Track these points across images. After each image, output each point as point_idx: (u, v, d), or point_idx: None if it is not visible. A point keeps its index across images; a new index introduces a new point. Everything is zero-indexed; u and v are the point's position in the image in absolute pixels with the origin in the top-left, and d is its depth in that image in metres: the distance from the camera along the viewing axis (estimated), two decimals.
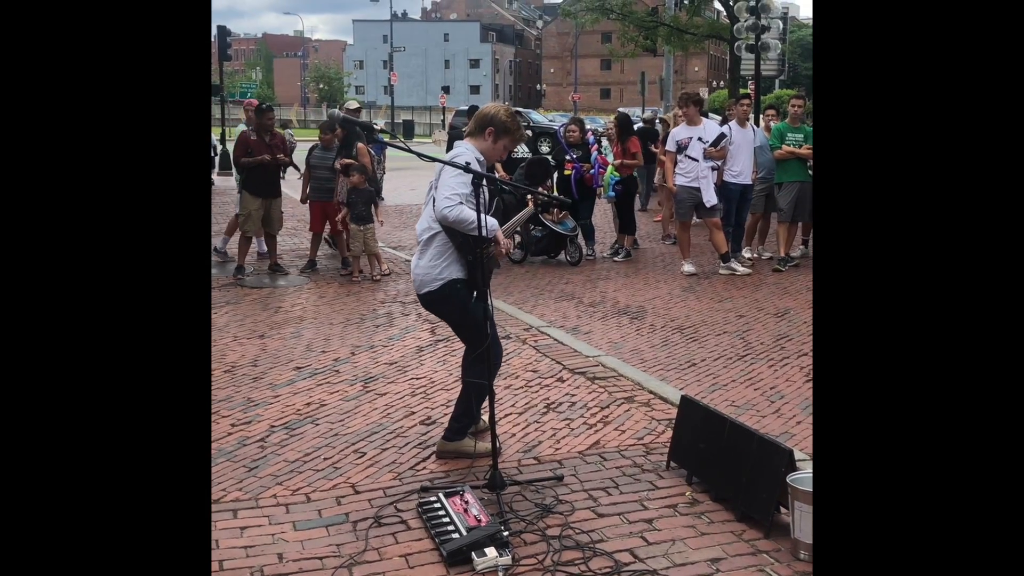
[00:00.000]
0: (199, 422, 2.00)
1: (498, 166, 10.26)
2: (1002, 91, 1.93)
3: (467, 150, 4.07)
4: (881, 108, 2.03)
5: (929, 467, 1.92)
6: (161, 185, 1.97)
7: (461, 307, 4.09)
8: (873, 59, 2.05)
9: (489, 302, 4.03)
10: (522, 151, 10.89)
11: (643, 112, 22.61)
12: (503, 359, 4.67)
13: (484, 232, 3.82)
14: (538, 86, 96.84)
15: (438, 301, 4.11)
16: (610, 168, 10.42)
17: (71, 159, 1.85)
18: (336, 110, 3.66)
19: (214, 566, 3.27)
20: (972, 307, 1.93)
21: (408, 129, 46.95)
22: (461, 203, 3.86)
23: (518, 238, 10.39)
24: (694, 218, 9.39)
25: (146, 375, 1.91)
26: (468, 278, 4.04)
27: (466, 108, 11.80)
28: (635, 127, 11.78)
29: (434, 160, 3.95)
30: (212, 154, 19.18)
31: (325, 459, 4.30)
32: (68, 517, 1.77)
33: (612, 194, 10.49)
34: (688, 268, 9.37)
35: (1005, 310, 1.90)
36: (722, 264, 9.34)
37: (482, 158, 4.07)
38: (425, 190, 4.17)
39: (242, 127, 10.30)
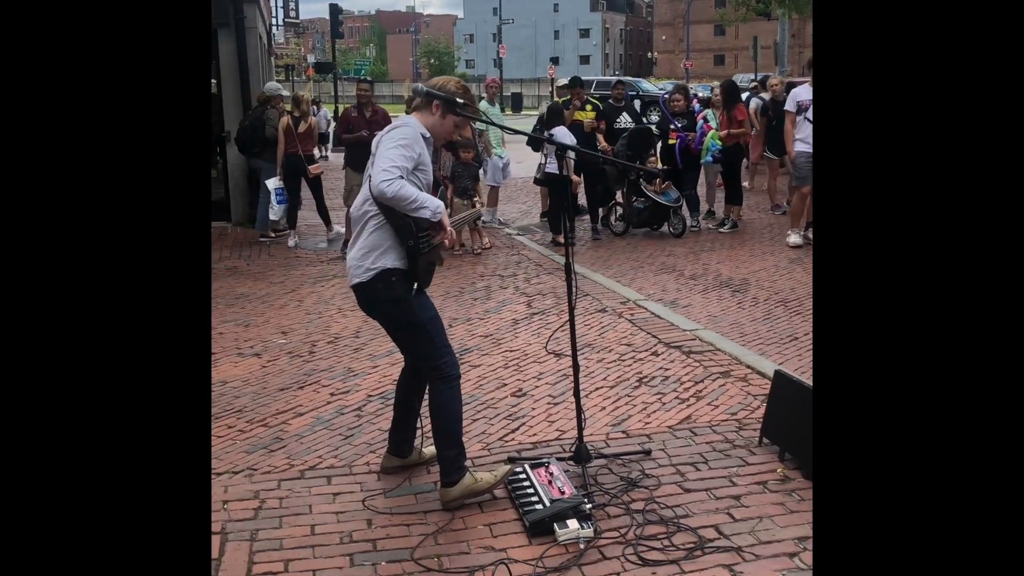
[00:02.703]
0: (198, 416, 1.93)
1: (600, 137, 10.19)
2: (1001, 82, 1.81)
3: (411, 124, 3.45)
4: (883, 92, 1.93)
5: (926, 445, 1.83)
6: (156, 166, 1.90)
7: (396, 303, 3.45)
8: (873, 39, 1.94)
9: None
10: (625, 121, 10.70)
11: (756, 78, 21.93)
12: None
13: (429, 213, 3.32)
14: (649, 54, 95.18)
15: (369, 296, 3.48)
16: (711, 133, 10.15)
17: (66, 139, 1.81)
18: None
19: (305, 530, 3.41)
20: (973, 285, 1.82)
21: (516, 102, 46.90)
22: (401, 177, 3.25)
23: (619, 210, 10.31)
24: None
25: (139, 359, 1.85)
26: (408, 269, 3.42)
27: (566, 80, 11.65)
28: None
29: (516, 132, 3.93)
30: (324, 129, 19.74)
31: (417, 428, 4.38)
32: (63, 501, 1.76)
33: (709, 159, 10.18)
34: (794, 239, 9.08)
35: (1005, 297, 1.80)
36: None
37: (428, 134, 3.48)
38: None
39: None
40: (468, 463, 3.67)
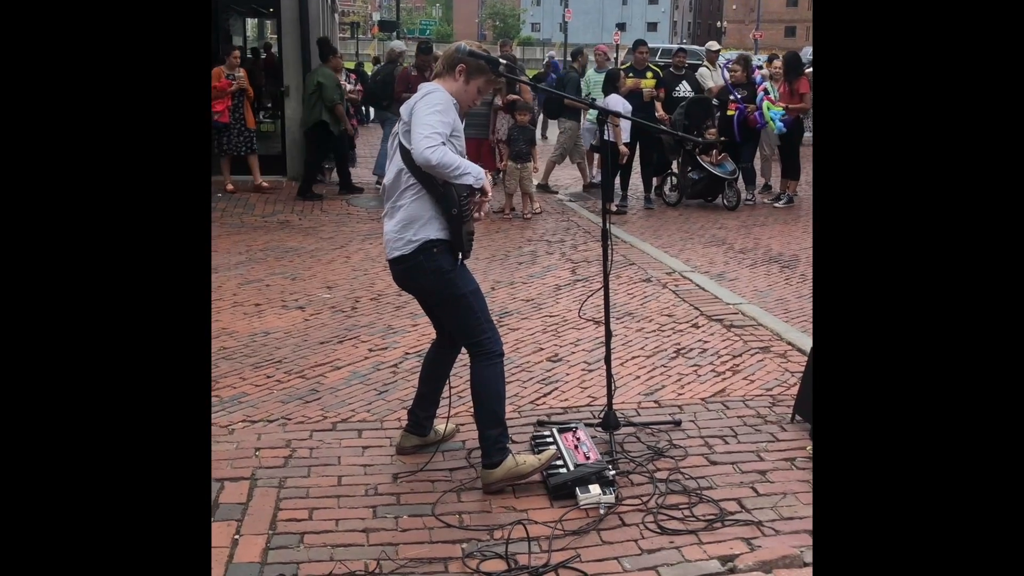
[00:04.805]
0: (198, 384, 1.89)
1: (658, 105, 10.04)
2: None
3: (441, 90, 3.31)
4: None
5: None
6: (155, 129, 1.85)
7: (438, 274, 3.34)
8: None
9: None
10: (684, 90, 10.52)
11: None
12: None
13: (471, 180, 3.23)
14: (718, 23, 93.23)
15: (411, 268, 3.37)
16: (766, 104, 9.87)
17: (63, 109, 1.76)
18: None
19: (332, 480, 3.48)
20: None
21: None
22: (444, 143, 3.14)
23: (673, 180, 10.19)
24: None
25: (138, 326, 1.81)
26: (450, 239, 3.32)
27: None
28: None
29: (562, 96, 3.89)
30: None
31: (451, 387, 4.42)
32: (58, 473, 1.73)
33: (781, 126, 9.83)
34: None
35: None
36: None
37: (455, 101, 3.34)
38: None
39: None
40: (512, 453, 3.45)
